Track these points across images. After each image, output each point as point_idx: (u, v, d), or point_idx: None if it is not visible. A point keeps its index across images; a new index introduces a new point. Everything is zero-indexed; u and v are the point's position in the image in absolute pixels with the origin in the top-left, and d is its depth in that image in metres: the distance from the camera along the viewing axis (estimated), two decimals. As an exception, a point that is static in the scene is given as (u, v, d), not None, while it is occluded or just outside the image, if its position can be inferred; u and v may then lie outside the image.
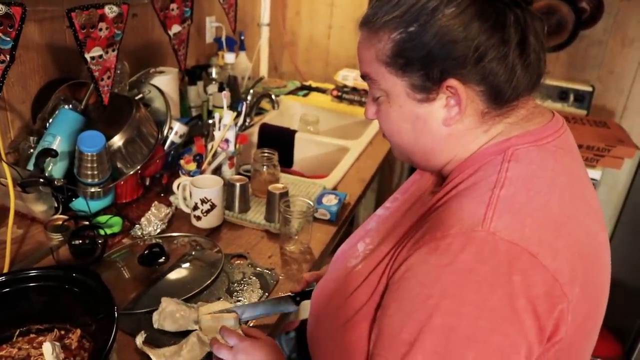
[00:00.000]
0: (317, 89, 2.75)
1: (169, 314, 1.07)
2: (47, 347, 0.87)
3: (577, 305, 0.65)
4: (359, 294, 0.79)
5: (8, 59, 1.22)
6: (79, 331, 0.95)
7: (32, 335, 0.97)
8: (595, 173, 2.28)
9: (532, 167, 0.70)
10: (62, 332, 0.97)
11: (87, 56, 1.40)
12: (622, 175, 2.97)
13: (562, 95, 2.73)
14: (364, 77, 0.82)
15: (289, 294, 1.18)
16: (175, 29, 1.77)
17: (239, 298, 1.23)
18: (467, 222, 0.65)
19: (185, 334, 1.06)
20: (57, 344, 0.89)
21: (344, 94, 2.55)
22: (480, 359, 0.62)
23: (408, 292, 0.68)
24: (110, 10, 1.43)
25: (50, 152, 1.38)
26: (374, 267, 0.79)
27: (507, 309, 0.61)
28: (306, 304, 1.25)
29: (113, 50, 1.49)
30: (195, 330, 1.05)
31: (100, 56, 1.44)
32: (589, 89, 2.71)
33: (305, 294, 1.18)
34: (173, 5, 1.73)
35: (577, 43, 2.79)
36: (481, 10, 0.69)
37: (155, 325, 1.08)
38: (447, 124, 0.74)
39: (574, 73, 2.86)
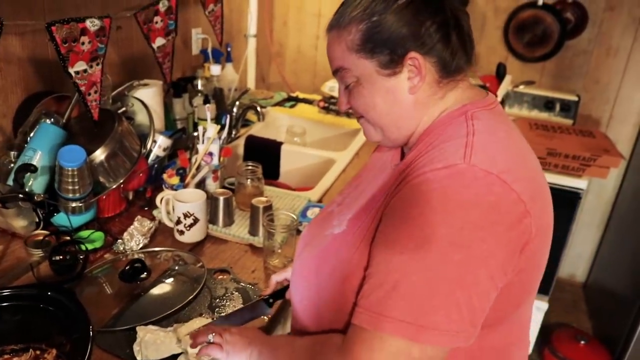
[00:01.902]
0: (304, 100, 2.75)
1: (150, 342, 1.05)
2: (21, 368, 0.86)
3: (538, 219, 0.80)
4: (350, 244, 0.89)
5: (-14, 74, 1.21)
6: (54, 351, 0.94)
7: (6, 356, 0.95)
8: (581, 182, 2.28)
9: (490, 122, 0.87)
10: (38, 352, 0.95)
11: (72, 71, 1.39)
12: (609, 184, 2.99)
13: (548, 104, 2.75)
14: (335, 72, 0.96)
15: (262, 297, 1.18)
16: (159, 41, 1.76)
17: (221, 314, 1.22)
18: (450, 159, 0.79)
19: (170, 359, 1.05)
20: (32, 364, 0.88)
21: (330, 105, 2.55)
22: (464, 261, 0.74)
23: (399, 215, 0.80)
24: (92, 24, 1.42)
25: (29, 168, 1.37)
26: (361, 221, 0.90)
27: (484, 221, 0.75)
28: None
29: (97, 64, 1.48)
30: (182, 353, 1.04)
31: (85, 70, 1.43)
32: (575, 98, 2.73)
33: (277, 295, 1.18)
34: (157, 18, 1.73)
35: (562, 53, 2.81)
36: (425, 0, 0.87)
37: (139, 358, 1.05)
38: (412, 92, 0.89)
39: (560, 83, 2.88)
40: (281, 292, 1.19)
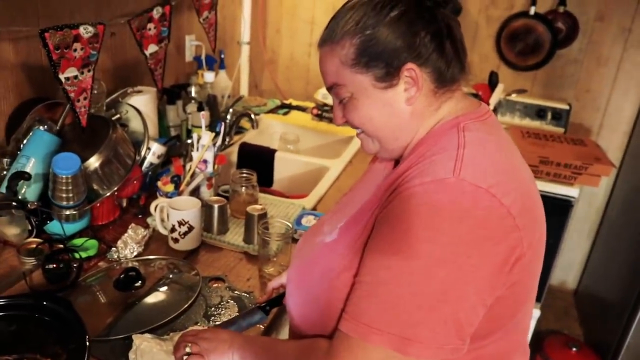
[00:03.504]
0: (298, 108, 2.75)
1: (146, 351, 1.04)
2: (16, 379, 0.85)
3: (528, 232, 0.80)
4: (339, 253, 0.90)
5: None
6: (49, 361, 0.93)
7: (0, 367, 0.94)
8: (573, 191, 2.29)
9: (480, 134, 0.87)
10: (32, 363, 0.94)
11: (62, 77, 1.38)
12: (599, 193, 3.01)
13: (540, 113, 2.77)
14: (330, 88, 0.95)
15: (258, 305, 1.18)
16: (152, 48, 1.76)
17: (217, 322, 1.21)
18: (440, 172, 0.79)
19: None
20: (27, 375, 0.87)
21: (324, 112, 2.55)
22: (449, 276, 0.75)
23: (389, 227, 0.80)
24: (86, 31, 1.41)
25: (23, 175, 1.36)
26: (352, 230, 0.90)
27: (471, 236, 0.75)
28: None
29: (89, 71, 1.47)
30: None
31: (76, 77, 1.42)
32: (566, 107, 2.75)
33: (273, 302, 1.18)
34: (150, 25, 1.72)
35: (554, 62, 2.83)
36: (418, 10, 0.86)
37: None
38: (409, 103, 0.89)
39: (552, 91, 2.90)
40: (278, 299, 1.18)
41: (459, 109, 0.91)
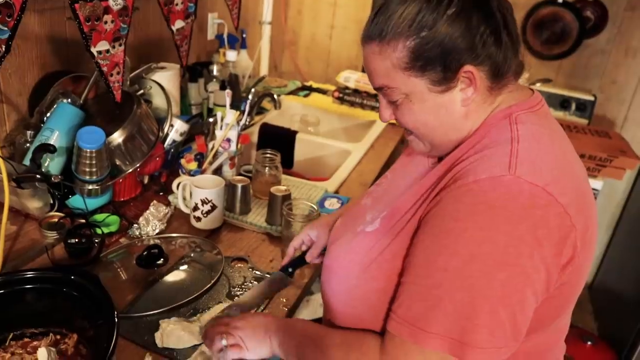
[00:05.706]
0: (318, 90, 2.72)
1: (171, 332, 1.02)
2: (42, 353, 0.85)
3: (583, 232, 0.78)
4: (381, 243, 0.87)
5: (3, 49, 1.18)
6: (75, 336, 0.92)
7: (26, 340, 0.93)
8: (596, 183, 2.26)
9: (534, 126, 0.83)
10: (58, 337, 0.93)
11: (94, 50, 1.36)
12: (621, 186, 2.96)
13: (563, 103, 2.72)
14: (379, 89, 0.90)
15: (281, 268, 1.19)
16: (179, 24, 1.73)
17: (239, 294, 1.20)
18: (495, 169, 0.76)
19: (193, 349, 1.03)
20: (53, 349, 0.86)
21: (345, 95, 2.52)
22: (509, 279, 0.73)
23: (443, 226, 0.77)
24: (115, 3, 1.39)
25: (48, 148, 1.34)
26: (395, 220, 0.87)
27: (531, 237, 0.73)
28: (314, 301, 1.24)
29: (120, 45, 1.44)
30: (200, 344, 1.02)
31: (107, 50, 1.40)
32: (591, 98, 2.70)
33: (296, 263, 1.19)
34: (177, 0, 1.69)
35: (580, 52, 2.78)
36: (474, 4, 0.80)
37: (160, 345, 1.03)
38: (465, 104, 0.85)
39: (576, 82, 2.85)
40: (300, 259, 1.19)
41: (511, 99, 0.87)
